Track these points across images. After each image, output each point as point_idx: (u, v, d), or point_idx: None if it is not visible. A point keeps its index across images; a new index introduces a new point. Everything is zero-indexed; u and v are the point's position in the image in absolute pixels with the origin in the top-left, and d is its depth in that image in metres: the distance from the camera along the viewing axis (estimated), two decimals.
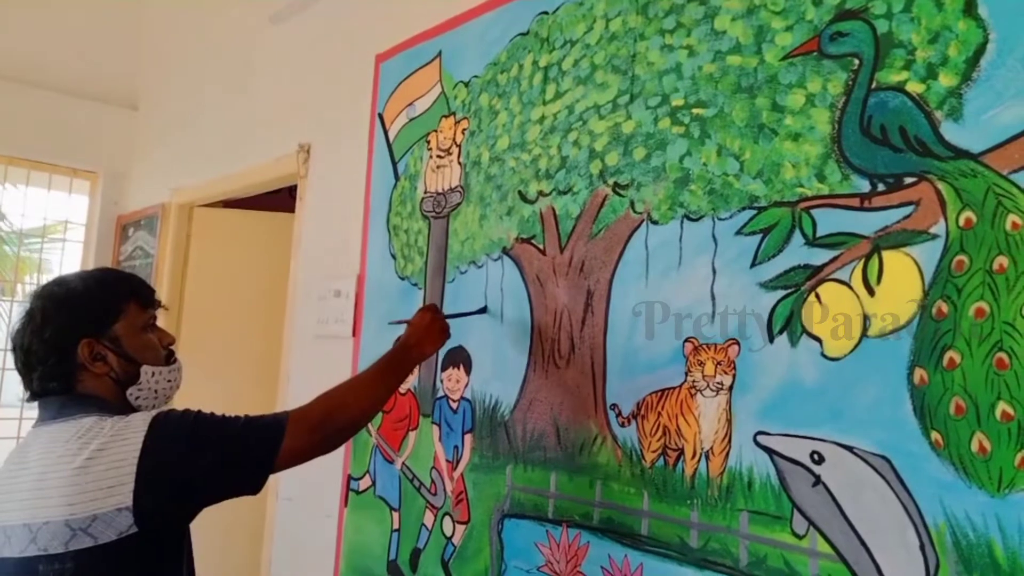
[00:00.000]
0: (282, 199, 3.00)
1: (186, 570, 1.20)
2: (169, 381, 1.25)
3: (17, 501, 1.06)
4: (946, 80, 1.01)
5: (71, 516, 1.03)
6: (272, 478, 2.45)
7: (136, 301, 1.24)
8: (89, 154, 3.88)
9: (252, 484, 1.16)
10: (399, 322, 1.69)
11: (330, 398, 1.29)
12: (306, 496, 2.26)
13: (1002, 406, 0.92)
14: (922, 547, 0.96)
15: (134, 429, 1.09)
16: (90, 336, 1.17)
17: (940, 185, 1.00)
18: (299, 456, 1.19)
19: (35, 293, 1.21)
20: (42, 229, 4.03)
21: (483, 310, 1.65)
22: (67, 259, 4.06)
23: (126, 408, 1.20)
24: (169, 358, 1.27)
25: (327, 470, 2.13)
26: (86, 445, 1.06)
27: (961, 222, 0.98)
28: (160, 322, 1.31)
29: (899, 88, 1.06)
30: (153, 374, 1.22)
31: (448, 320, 1.54)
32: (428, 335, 1.47)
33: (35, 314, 1.17)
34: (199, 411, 1.16)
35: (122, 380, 1.20)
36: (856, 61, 1.11)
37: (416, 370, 1.84)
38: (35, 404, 1.19)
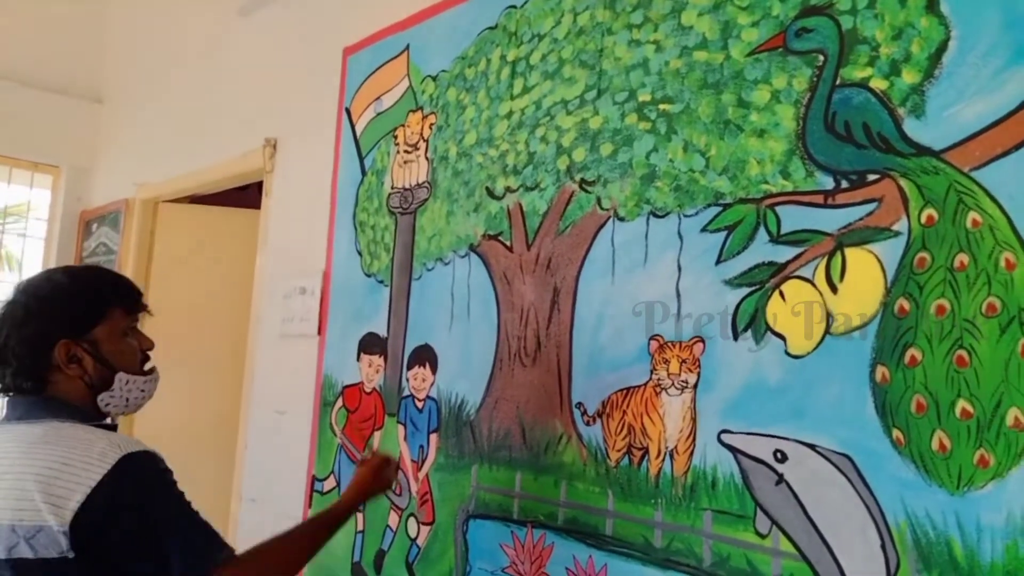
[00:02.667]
0: (252, 195, 2.95)
1: None
2: (142, 391, 1.21)
3: None
4: (909, 77, 1.01)
5: (18, 523, 1.00)
6: (235, 477, 2.40)
7: (122, 305, 1.20)
8: (51, 148, 3.77)
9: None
10: (359, 462, 1.50)
11: (270, 560, 1.15)
12: (270, 497, 2.22)
13: (962, 404, 0.91)
14: (883, 546, 0.96)
15: (99, 457, 1.03)
16: (69, 337, 1.13)
17: (903, 182, 1.00)
18: None
19: (20, 287, 1.17)
20: (2, 212, 3.92)
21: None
22: (29, 254, 3.95)
23: (95, 413, 1.16)
24: (144, 363, 1.22)
25: (291, 471, 2.09)
26: (49, 455, 1.03)
27: (923, 219, 0.98)
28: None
29: (863, 84, 1.05)
30: (127, 382, 1.18)
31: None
32: (374, 488, 1.37)
33: (17, 309, 1.13)
34: (164, 479, 1.08)
35: (95, 385, 1.15)
36: (821, 57, 1.10)
37: (382, 369, 1.81)
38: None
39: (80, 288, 1.17)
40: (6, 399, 1.15)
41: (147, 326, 1.29)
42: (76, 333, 1.13)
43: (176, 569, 1.03)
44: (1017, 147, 0.91)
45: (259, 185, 2.56)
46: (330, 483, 1.93)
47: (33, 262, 3.90)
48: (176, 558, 1.03)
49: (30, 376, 1.12)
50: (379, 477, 1.38)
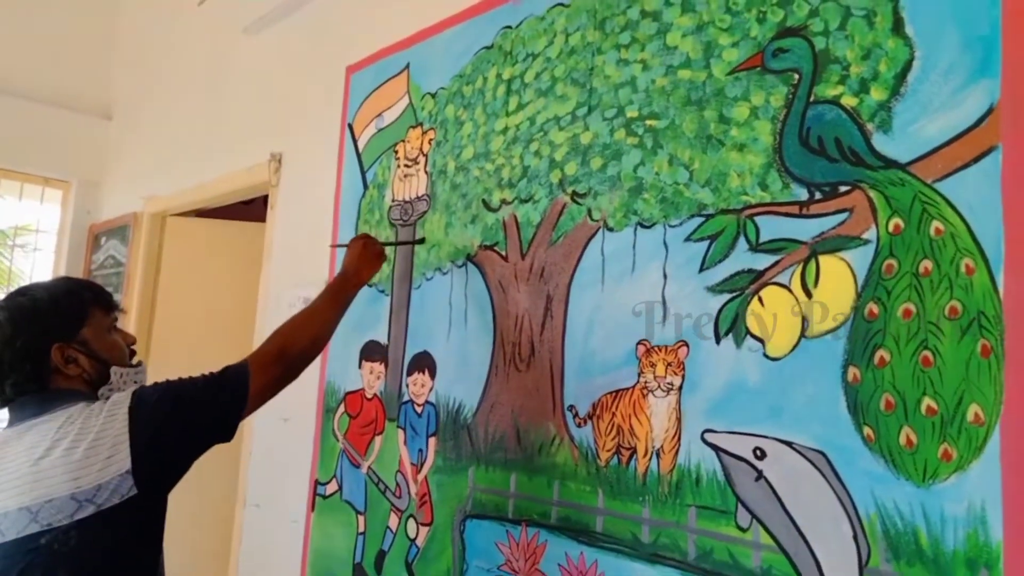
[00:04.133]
0: (257, 209, 3.02)
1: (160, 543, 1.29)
2: (135, 381, 1.32)
3: (10, 490, 1.13)
4: (877, 94, 1.07)
5: (77, 490, 1.11)
6: (240, 483, 2.46)
7: (99, 306, 1.31)
8: (61, 163, 3.87)
9: (227, 431, 1.27)
10: (340, 245, 1.86)
11: (281, 333, 1.43)
12: (273, 502, 2.27)
13: (927, 401, 0.97)
14: (855, 537, 1.01)
15: (120, 403, 1.19)
16: (61, 341, 1.23)
17: (872, 193, 1.06)
18: (266, 392, 1.34)
19: None
20: (13, 231, 4.01)
21: (421, 240, 1.80)
22: (38, 267, 4.03)
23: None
24: (131, 356, 1.35)
25: (294, 476, 2.14)
26: (84, 426, 1.15)
27: (891, 228, 1.04)
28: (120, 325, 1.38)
29: (835, 102, 1.12)
30: (122, 375, 1.30)
31: (385, 246, 1.70)
32: (363, 262, 1.61)
33: (3, 325, 1.22)
34: (169, 379, 1.27)
35: (94, 380, 1.27)
36: (796, 76, 1.17)
37: (383, 375, 1.87)
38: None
39: (59, 295, 1.28)
40: (9, 406, 1.25)
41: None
42: (66, 337, 1.24)
43: (226, 420, 1.26)
44: (976, 160, 0.97)
45: (264, 199, 2.63)
46: (332, 487, 1.98)
47: (44, 275, 3.97)
48: (222, 406, 1.25)
49: (31, 381, 1.22)
50: (368, 247, 1.62)
